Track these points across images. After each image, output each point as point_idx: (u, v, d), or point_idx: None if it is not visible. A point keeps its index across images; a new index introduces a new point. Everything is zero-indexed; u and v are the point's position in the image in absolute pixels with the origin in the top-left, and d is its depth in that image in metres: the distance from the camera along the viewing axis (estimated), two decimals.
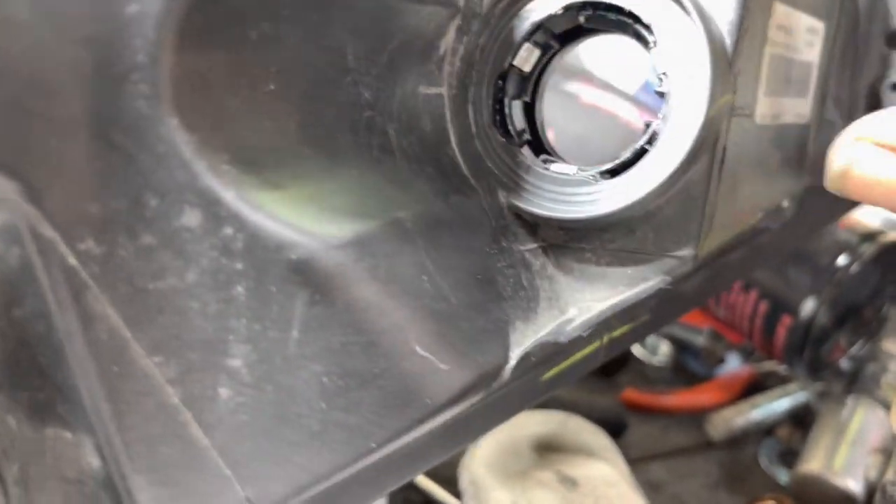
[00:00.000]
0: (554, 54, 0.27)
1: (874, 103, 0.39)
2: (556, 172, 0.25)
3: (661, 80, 0.23)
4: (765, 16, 0.26)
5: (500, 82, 0.25)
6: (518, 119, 0.26)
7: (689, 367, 0.61)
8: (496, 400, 0.28)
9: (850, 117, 0.38)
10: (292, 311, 0.18)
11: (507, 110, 0.25)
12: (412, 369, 0.19)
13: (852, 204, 0.43)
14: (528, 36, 0.25)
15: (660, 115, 0.23)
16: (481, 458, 0.39)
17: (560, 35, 0.26)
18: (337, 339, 0.18)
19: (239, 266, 0.17)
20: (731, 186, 0.27)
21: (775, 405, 0.54)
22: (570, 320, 0.24)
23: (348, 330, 0.18)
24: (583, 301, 0.25)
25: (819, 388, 0.55)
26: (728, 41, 0.23)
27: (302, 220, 0.18)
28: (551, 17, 0.24)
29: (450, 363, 0.19)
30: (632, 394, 0.56)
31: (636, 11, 0.23)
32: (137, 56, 0.15)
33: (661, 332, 0.61)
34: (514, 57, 0.25)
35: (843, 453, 0.48)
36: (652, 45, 0.23)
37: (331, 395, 0.18)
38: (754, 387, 0.58)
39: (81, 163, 0.15)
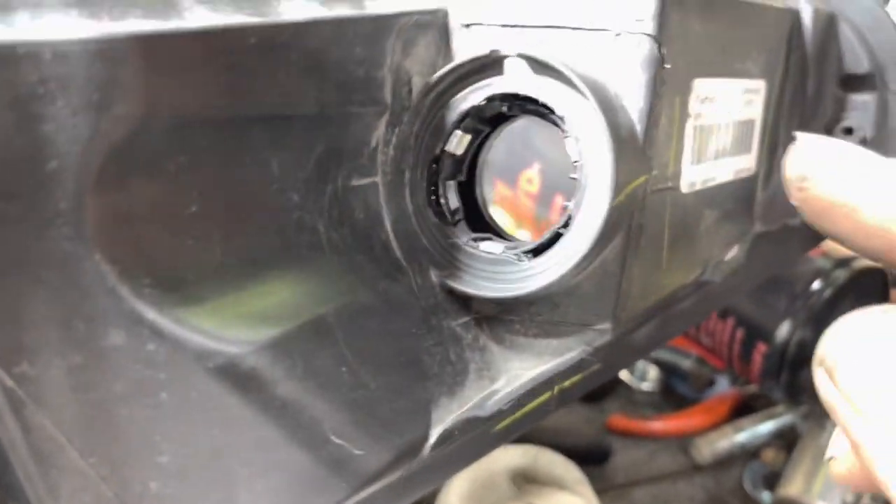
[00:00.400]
0: (487, 135, 0.29)
1: None
2: (485, 252, 0.26)
3: (574, 167, 0.25)
4: (683, 94, 0.27)
5: (434, 165, 0.27)
6: (452, 199, 0.28)
7: (677, 390, 0.62)
8: (446, 456, 0.30)
9: None
10: (213, 411, 0.20)
11: (441, 191, 0.27)
12: (328, 457, 0.21)
13: (807, 245, 0.44)
14: (458, 124, 0.27)
15: (573, 201, 0.25)
16: (456, 494, 0.41)
17: (490, 119, 0.27)
18: (255, 434, 0.20)
19: (162, 376, 0.19)
20: (655, 255, 0.28)
21: (760, 428, 0.55)
22: (495, 392, 0.26)
23: (266, 426, 0.20)
24: (512, 370, 0.27)
25: (804, 410, 0.56)
26: (639, 128, 0.25)
27: (222, 328, 0.20)
28: (476, 107, 0.26)
29: (365, 448, 0.21)
30: (618, 420, 0.57)
31: (550, 104, 0.25)
32: (60, 204, 0.17)
33: (649, 358, 0.63)
34: (445, 143, 0.27)
35: (822, 477, 0.49)
36: (566, 134, 0.25)
37: (252, 482, 0.20)
38: (741, 409, 0.59)
39: (14, 299, 0.17)
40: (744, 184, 0.35)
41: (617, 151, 0.24)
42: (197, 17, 0.22)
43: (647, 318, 0.31)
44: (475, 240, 0.27)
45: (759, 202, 0.37)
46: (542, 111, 0.26)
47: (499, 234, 0.29)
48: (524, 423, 0.33)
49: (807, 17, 0.37)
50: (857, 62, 0.40)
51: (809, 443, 0.51)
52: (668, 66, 0.25)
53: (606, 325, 0.26)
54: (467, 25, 0.27)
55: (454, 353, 0.26)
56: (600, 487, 0.51)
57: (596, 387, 0.60)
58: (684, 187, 0.29)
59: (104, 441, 0.19)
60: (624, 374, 0.62)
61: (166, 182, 0.19)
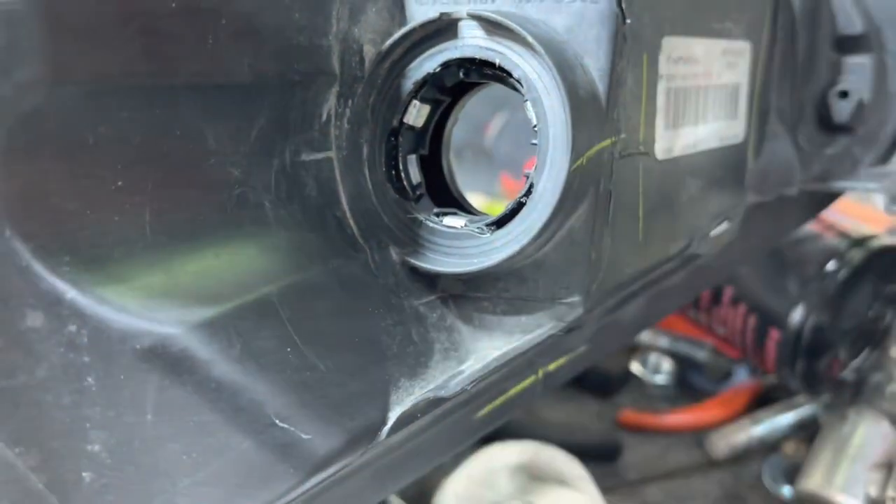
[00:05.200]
0: (450, 106, 0.27)
1: (823, 111, 0.38)
2: (447, 227, 0.25)
3: (534, 132, 0.23)
4: (651, 53, 0.26)
5: (392, 139, 0.26)
6: (414, 173, 0.26)
7: (693, 383, 0.60)
8: (426, 443, 0.28)
9: (795, 128, 0.37)
10: (144, 395, 0.19)
11: (401, 166, 0.26)
12: (273, 441, 0.20)
13: (805, 216, 0.42)
14: (415, 93, 0.25)
15: (534, 168, 0.23)
16: (452, 492, 0.39)
17: (451, 88, 0.26)
18: (191, 419, 0.19)
19: (86, 359, 0.18)
20: (629, 225, 0.27)
21: (779, 420, 0.53)
22: (460, 372, 0.24)
23: (202, 409, 0.19)
24: (481, 349, 0.26)
25: (826, 399, 0.53)
26: (601, 88, 0.24)
27: (150, 308, 0.19)
28: (433, 75, 0.25)
29: (313, 432, 0.20)
30: (630, 415, 0.55)
31: (506, 66, 0.24)
32: None
33: (662, 350, 0.61)
34: (403, 115, 0.26)
35: (844, 469, 0.46)
36: (524, 97, 0.23)
37: (192, 470, 0.19)
38: (761, 401, 0.56)
39: None
40: (732, 151, 0.33)
41: (574, 112, 0.22)
42: None
43: (629, 293, 0.30)
44: (438, 214, 0.26)
45: (750, 171, 0.35)
46: (500, 75, 0.24)
47: (466, 208, 0.28)
48: (508, 408, 0.31)
49: None
50: (851, 23, 0.38)
51: (830, 434, 0.48)
52: (629, 21, 0.24)
53: (577, 299, 0.25)
54: None
55: (417, 334, 0.24)
56: (611, 484, 0.49)
57: (607, 381, 0.58)
58: (659, 153, 0.27)
59: (30, 430, 0.18)
60: (636, 368, 0.60)
61: (85, 154, 0.18)
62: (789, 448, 0.52)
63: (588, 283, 0.25)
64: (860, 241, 0.49)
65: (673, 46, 0.27)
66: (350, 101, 0.25)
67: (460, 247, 0.25)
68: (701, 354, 0.59)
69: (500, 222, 0.24)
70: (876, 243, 0.50)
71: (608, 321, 0.33)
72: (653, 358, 0.60)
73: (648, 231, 0.27)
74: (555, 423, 0.54)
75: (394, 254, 0.25)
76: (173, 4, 0.19)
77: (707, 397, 0.57)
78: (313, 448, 0.20)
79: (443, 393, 0.23)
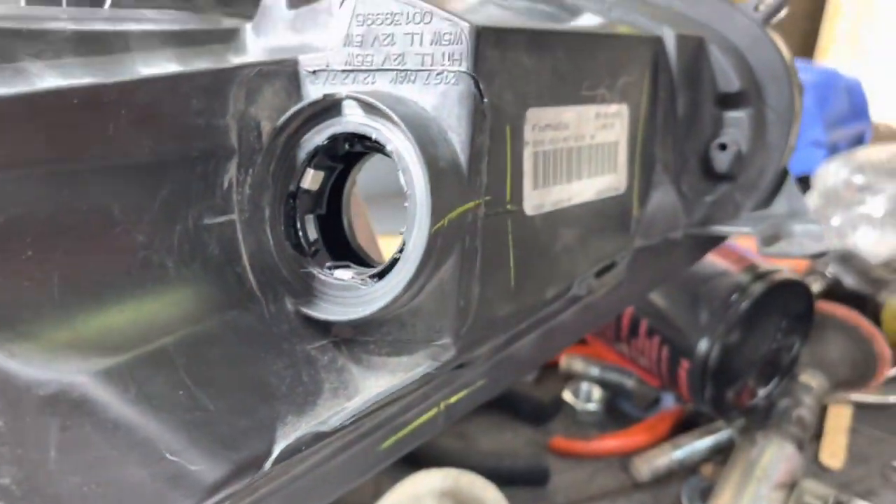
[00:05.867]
0: (345, 170, 0.31)
1: (705, 162, 0.42)
2: (337, 279, 0.28)
3: (407, 197, 0.27)
4: (514, 123, 0.30)
5: (291, 201, 0.29)
6: (311, 231, 0.30)
7: (623, 410, 0.63)
8: (332, 470, 0.31)
9: (679, 178, 0.41)
10: (48, 436, 0.22)
11: (299, 224, 0.29)
12: (163, 473, 0.23)
13: (691, 258, 0.45)
14: (308, 162, 0.29)
15: (405, 228, 0.27)
16: None
17: (342, 156, 0.30)
18: (91, 455, 0.22)
19: None
20: (499, 274, 0.30)
21: (698, 444, 0.56)
22: (343, 409, 0.27)
23: (101, 446, 0.22)
24: (369, 388, 0.29)
25: (740, 425, 0.57)
26: (463, 158, 0.27)
27: (54, 360, 0.22)
28: (322, 147, 0.28)
29: (201, 464, 0.23)
30: (560, 441, 0.58)
31: (381, 141, 0.27)
32: None
33: (592, 379, 0.64)
34: (300, 180, 0.29)
35: (750, 490, 0.50)
36: (398, 167, 0.27)
37: (92, 500, 0.22)
38: (684, 426, 0.60)
39: None
40: (613, 202, 0.37)
41: (433, 181, 0.26)
42: (45, 82, 0.24)
43: (518, 332, 0.33)
44: (331, 268, 0.29)
45: (635, 219, 0.39)
46: (378, 147, 0.28)
47: (362, 259, 0.31)
48: (413, 439, 0.35)
49: (670, 44, 0.39)
50: (729, 82, 0.42)
51: (740, 457, 0.52)
52: (486, 100, 0.27)
53: (447, 341, 0.28)
54: (314, 72, 0.29)
55: (307, 375, 0.28)
56: None
57: (540, 410, 0.61)
58: (529, 210, 0.31)
59: None
60: (568, 396, 0.63)
61: None
62: (707, 470, 0.56)
63: (457, 327, 0.28)
64: (762, 275, 0.53)
65: (538, 116, 0.31)
66: (251, 170, 0.28)
67: (348, 297, 0.28)
68: (629, 383, 0.63)
69: (381, 274, 0.28)
70: (777, 277, 0.54)
71: (503, 357, 0.36)
72: (584, 387, 0.63)
73: (520, 278, 0.31)
74: (486, 451, 0.57)
75: (289, 304, 0.28)
76: (75, 101, 0.23)
77: (635, 423, 0.61)
78: (201, 477, 0.23)
79: (324, 428, 0.26)
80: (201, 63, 0.29)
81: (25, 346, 0.22)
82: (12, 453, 0.22)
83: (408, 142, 0.26)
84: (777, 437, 0.52)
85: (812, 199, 0.90)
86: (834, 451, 0.56)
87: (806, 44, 1.49)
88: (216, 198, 0.28)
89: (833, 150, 1.01)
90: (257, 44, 0.31)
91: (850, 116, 1.08)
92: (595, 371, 0.64)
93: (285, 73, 0.29)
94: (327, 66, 0.29)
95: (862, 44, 1.37)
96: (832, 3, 1.43)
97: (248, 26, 0.31)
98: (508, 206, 0.30)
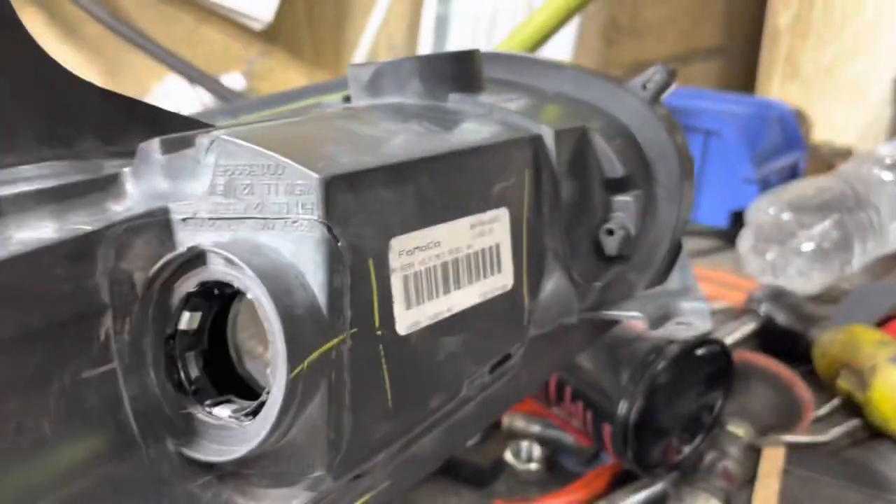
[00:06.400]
0: (223, 308, 0.32)
1: (597, 248, 0.44)
2: (215, 418, 0.30)
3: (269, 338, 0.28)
4: (377, 256, 0.31)
5: (171, 342, 0.31)
6: (192, 369, 0.31)
7: (565, 466, 0.65)
8: None
9: (569, 265, 0.43)
10: None
11: (180, 364, 0.31)
12: None
13: (588, 340, 0.47)
14: (183, 306, 0.30)
15: (269, 369, 0.28)
16: None
17: (216, 296, 0.31)
18: None
19: None
20: (375, 396, 0.31)
21: (631, 499, 0.58)
22: None
23: None
24: None
25: (675, 478, 0.58)
26: (322, 300, 0.29)
27: None
28: (192, 293, 0.30)
29: None
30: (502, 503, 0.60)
31: (242, 288, 0.29)
32: None
33: (534, 436, 0.65)
34: (176, 323, 0.31)
35: None
36: (261, 315, 0.28)
37: None
38: (622, 479, 0.61)
39: None
40: (501, 299, 0.38)
41: (287, 330, 0.27)
42: None
43: (415, 434, 0.35)
44: (211, 405, 0.31)
45: (528, 310, 0.40)
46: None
47: (250, 387, 0.33)
48: None
49: (549, 140, 0.41)
50: (613, 168, 0.44)
51: None
52: (341, 243, 0.29)
53: (321, 473, 0.29)
54: (184, 220, 0.31)
55: None
56: None
57: (481, 473, 0.62)
58: (402, 330, 0.32)
59: None
60: (509, 457, 0.64)
61: None
62: None
63: (330, 459, 0.30)
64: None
65: (404, 243, 0.32)
66: (128, 318, 0.30)
67: (225, 435, 0.30)
68: (569, 439, 0.64)
69: (255, 412, 0.29)
70: (693, 337, 0.55)
71: (405, 458, 0.38)
72: (525, 446, 0.65)
73: (399, 397, 0.32)
74: None
75: (170, 445, 0.30)
76: None
77: (575, 479, 0.62)
78: None
79: None
80: (78, 217, 0.30)
81: None
82: None
83: (263, 291, 0.28)
84: (703, 492, 0.54)
85: (747, 236, 0.92)
86: (766, 497, 0.58)
87: (748, 69, 1.52)
88: (93, 350, 0.29)
89: (766, 183, 1.04)
90: (136, 188, 0.32)
91: (782, 147, 1.11)
92: (536, 428, 0.66)
93: (157, 223, 0.30)
94: (195, 214, 0.30)
95: (799, 66, 1.40)
96: (769, 28, 1.47)
97: (128, 170, 0.32)
98: (378, 333, 0.31)
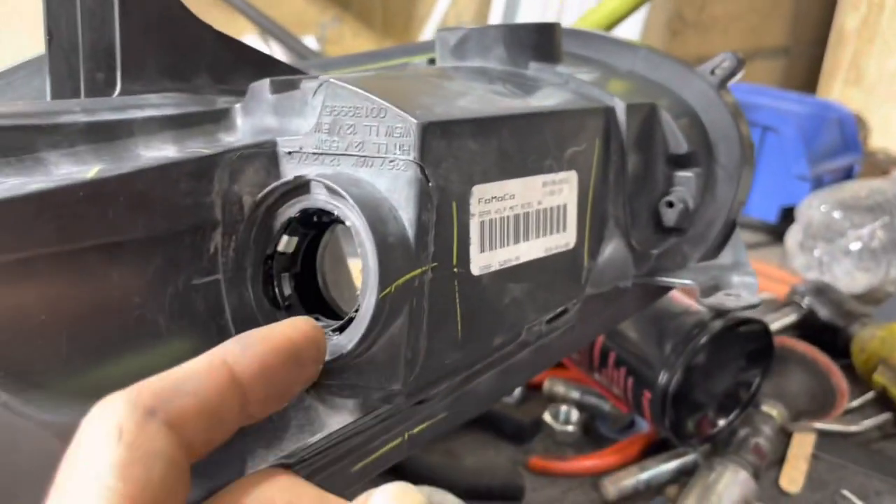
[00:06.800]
0: (317, 236, 0.36)
1: (656, 217, 0.46)
2: None
3: (362, 261, 0.32)
4: (460, 200, 0.34)
5: (269, 262, 0.34)
6: (286, 288, 0.35)
7: (600, 432, 0.68)
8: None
9: (628, 232, 0.45)
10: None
11: (276, 282, 0.34)
12: None
13: (640, 304, 0.49)
14: (283, 230, 0.34)
15: (360, 290, 0.31)
16: None
17: (312, 224, 0.35)
18: None
19: (20, 440, 0.26)
20: (447, 327, 0.35)
21: (664, 467, 0.60)
22: (307, 445, 0.32)
23: None
24: (331, 425, 0.34)
25: (706, 449, 0.61)
26: (411, 233, 0.32)
27: (60, 406, 0.27)
28: (293, 218, 0.33)
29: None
30: (537, 460, 0.63)
31: (342, 217, 0.32)
32: None
33: (572, 401, 0.68)
34: (276, 245, 0.34)
35: None
36: (355, 241, 0.32)
37: None
38: (654, 449, 0.64)
39: None
40: (562, 256, 0.41)
41: (381, 254, 0.30)
42: (60, 170, 0.30)
43: (474, 371, 0.38)
44: None
45: (586, 270, 0.43)
46: (341, 221, 0.33)
47: (335, 311, 0.36)
48: (380, 463, 0.39)
49: (620, 113, 0.43)
50: (678, 144, 0.46)
51: (698, 481, 0.56)
52: (432, 183, 0.32)
53: (398, 387, 0.33)
54: (290, 153, 0.34)
55: (275, 414, 0.32)
56: None
57: (521, 430, 0.65)
58: (476, 270, 0.35)
59: None
60: (548, 418, 0.67)
61: (15, 305, 0.27)
62: (671, 492, 0.60)
63: (405, 375, 0.33)
64: (724, 313, 0.57)
65: (484, 191, 0.35)
66: (234, 236, 0.33)
67: None
68: (606, 407, 0.67)
69: (342, 328, 0.32)
70: (736, 315, 0.57)
71: (462, 393, 0.41)
72: (563, 409, 0.67)
73: (467, 330, 0.35)
74: (467, 467, 0.62)
75: None
76: (81, 194, 0.28)
77: (609, 445, 0.65)
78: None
79: (289, 460, 0.31)
80: (195, 143, 0.34)
81: (38, 394, 0.27)
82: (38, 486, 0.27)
83: (362, 219, 0.31)
84: (733, 463, 0.56)
85: (796, 231, 0.93)
86: (793, 477, 0.60)
87: (811, 71, 1.51)
88: (203, 261, 0.33)
89: (818, 182, 1.04)
90: (246, 123, 0.36)
91: (839, 149, 1.11)
92: (575, 394, 0.69)
93: (265, 154, 0.34)
94: (300, 149, 0.34)
95: (863, 71, 1.39)
96: (836, 31, 1.45)
97: (238, 107, 0.36)
98: (455, 270, 0.34)
